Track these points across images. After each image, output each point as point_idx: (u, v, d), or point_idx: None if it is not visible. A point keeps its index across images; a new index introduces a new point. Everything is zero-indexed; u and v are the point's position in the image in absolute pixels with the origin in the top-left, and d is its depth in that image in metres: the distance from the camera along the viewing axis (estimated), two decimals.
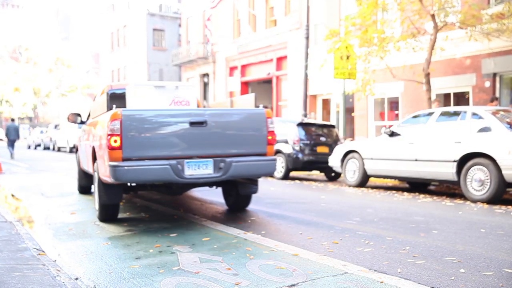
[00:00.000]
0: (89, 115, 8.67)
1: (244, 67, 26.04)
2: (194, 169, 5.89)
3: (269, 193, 9.75)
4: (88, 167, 7.68)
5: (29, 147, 35.88)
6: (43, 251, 4.55)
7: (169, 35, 39.47)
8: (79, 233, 5.73)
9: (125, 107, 7.03)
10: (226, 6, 26.91)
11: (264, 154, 6.27)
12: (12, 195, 9.34)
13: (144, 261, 4.34)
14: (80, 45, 74.67)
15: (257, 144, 6.27)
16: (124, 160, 5.64)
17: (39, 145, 34.33)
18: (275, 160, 6.37)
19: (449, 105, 14.92)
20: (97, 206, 6.57)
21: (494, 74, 13.87)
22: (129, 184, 6.10)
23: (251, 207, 7.58)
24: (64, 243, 5.22)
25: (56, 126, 30.64)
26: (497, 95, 13.64)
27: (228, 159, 5.98)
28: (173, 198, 8.60)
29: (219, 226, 5.98)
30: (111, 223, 6.23)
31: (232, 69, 26.97)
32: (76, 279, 3.82)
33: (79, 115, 8.81)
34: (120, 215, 6.77)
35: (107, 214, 6.45)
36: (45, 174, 13.75)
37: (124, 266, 4.22)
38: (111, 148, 5.62)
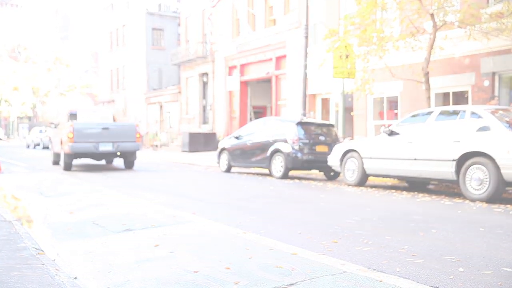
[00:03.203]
0: (59, 123, 16.57)
1: (243, 66, 26.02)
2: (104, 147, 14.13)
3: (268, 192, 9.76)
4: (57, 149, 15.65)
5: (28, 147, 35.84)
6: (42, 251, 4.55)
7: (168, 34, 39.39)
8: (78, 233, 5.72)
9: (76, 120, 15.43)
10: (225, 5, 26.90)
11: (134, 141, 14.54)
12: (11, 195, 9.34)
13: (142, 260, 4.34)
14: (79, 44, 74.49)
15: (131, 137, 14.52)
16: (74, 142, 13.67)
17: (38, 145, 34.29)
18: (139, 143, 14.71)
19: (448, 104, 14.92)
20: (62, 164, 14.59)
21: (493, 73, 13.85)
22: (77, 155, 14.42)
23: (251, 206, 7.67)
24: (63, 243, 5.22)
25: (55, 126, 30.55)
26: (496, 94, 13.63)
27: (118, 143, 14.23)
28: (173, 197, 8.62)
29: (217, 225, 5.99)
30: (110, 223, 6.23)
31: (231, 68, 26.94)
32: (75, 278, 3.83)
33: (53, 122, 17.01)
34: (120, 215, 6.79)
35: (67, 167, 14.36)
36: (44, 173, 13.74)
37: (123, 265, 4.22)
38: (69, 137, 13.68)
